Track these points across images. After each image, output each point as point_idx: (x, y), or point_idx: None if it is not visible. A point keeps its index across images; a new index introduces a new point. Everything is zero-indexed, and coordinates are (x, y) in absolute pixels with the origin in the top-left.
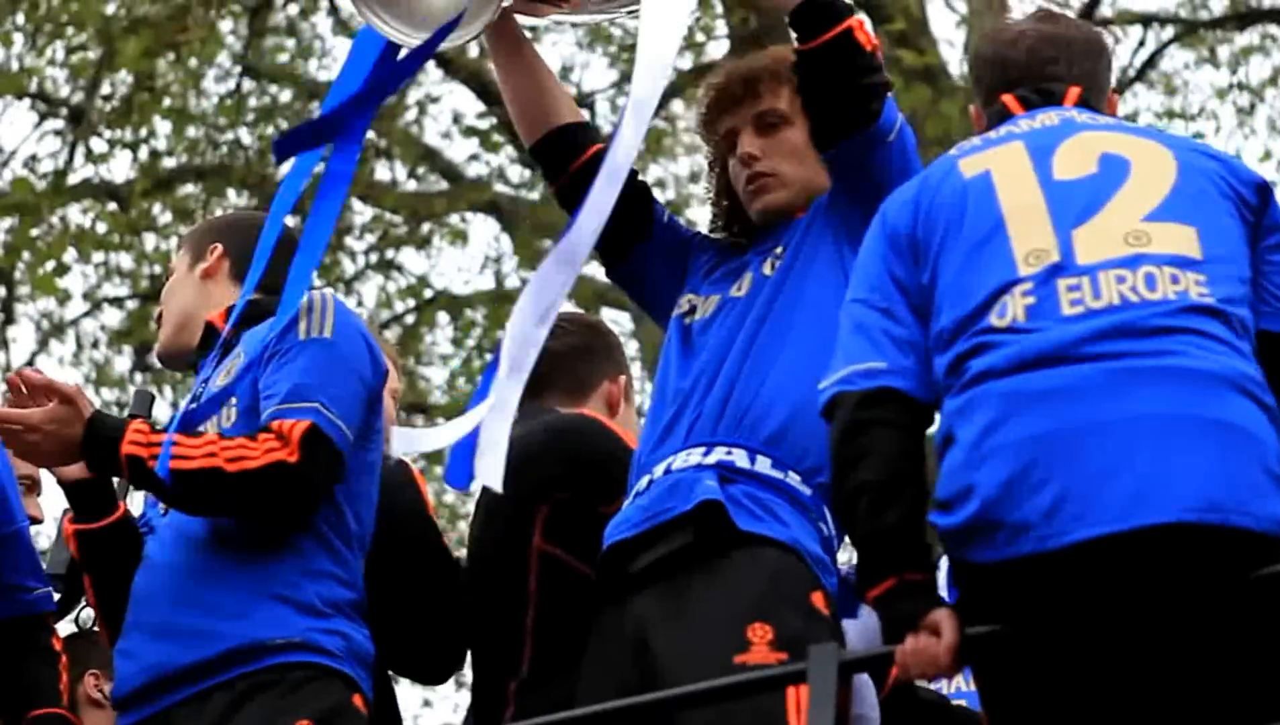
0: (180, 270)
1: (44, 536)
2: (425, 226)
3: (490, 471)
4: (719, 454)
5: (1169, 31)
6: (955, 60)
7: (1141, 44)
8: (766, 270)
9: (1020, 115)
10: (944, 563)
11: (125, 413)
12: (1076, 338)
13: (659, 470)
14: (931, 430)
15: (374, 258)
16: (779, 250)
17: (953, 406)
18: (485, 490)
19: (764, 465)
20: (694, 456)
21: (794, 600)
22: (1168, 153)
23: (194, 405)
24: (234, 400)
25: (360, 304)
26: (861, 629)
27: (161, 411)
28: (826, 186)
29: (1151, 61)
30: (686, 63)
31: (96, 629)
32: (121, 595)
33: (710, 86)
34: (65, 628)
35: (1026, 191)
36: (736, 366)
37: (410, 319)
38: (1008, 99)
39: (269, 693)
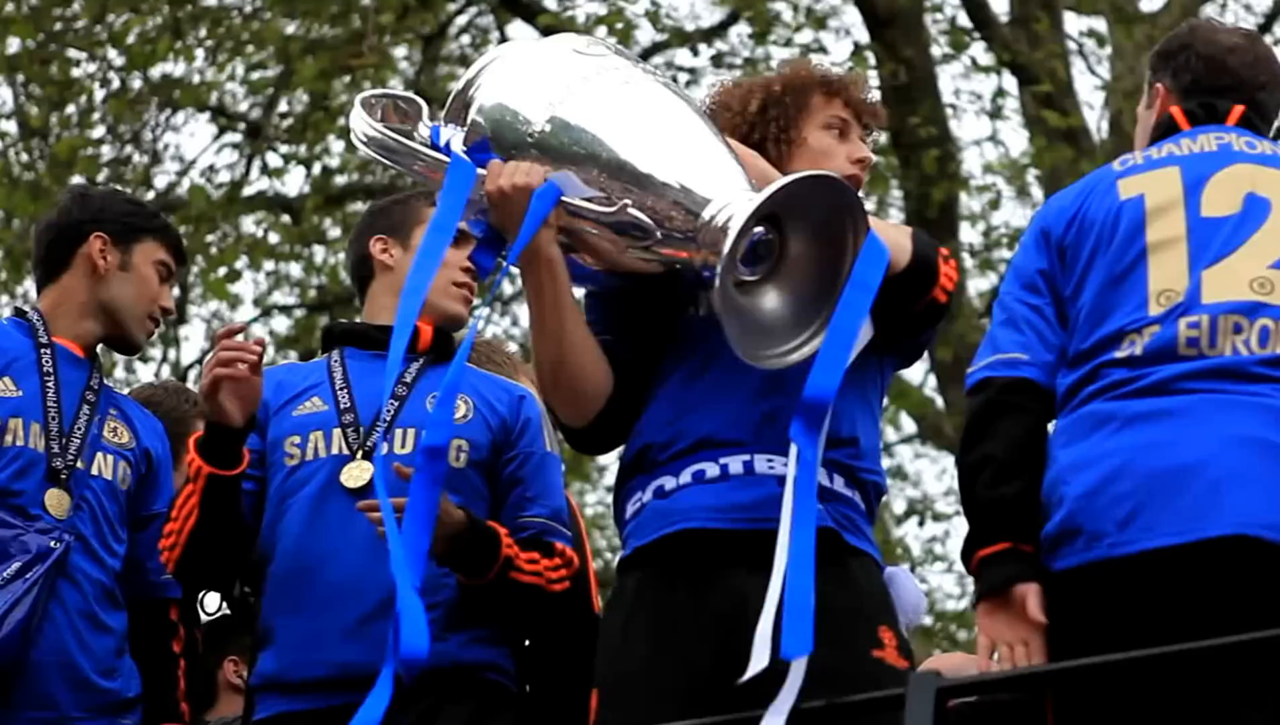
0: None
1: None
2: None
3: None
4: None
5: None
6: (1094, 120)
7: None
8: None
9: (1183, 132)
10: None
11: None
12: (1180, 373)
13: (735, 465)
14: None
15: None
16: None
17: (1059, 426)
18: None
19: (839, 484)
20: (777, 466)
21: (895, 612)
22: None
23: (395, 403)
24: (467, 446)
25: (515, 324)
26: None
27: None
28: None
29: None
30: None
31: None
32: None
33: (861, 80)
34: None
35: (1173, 226)
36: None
37: None
38: (1176, 113)
39: (462, 704)
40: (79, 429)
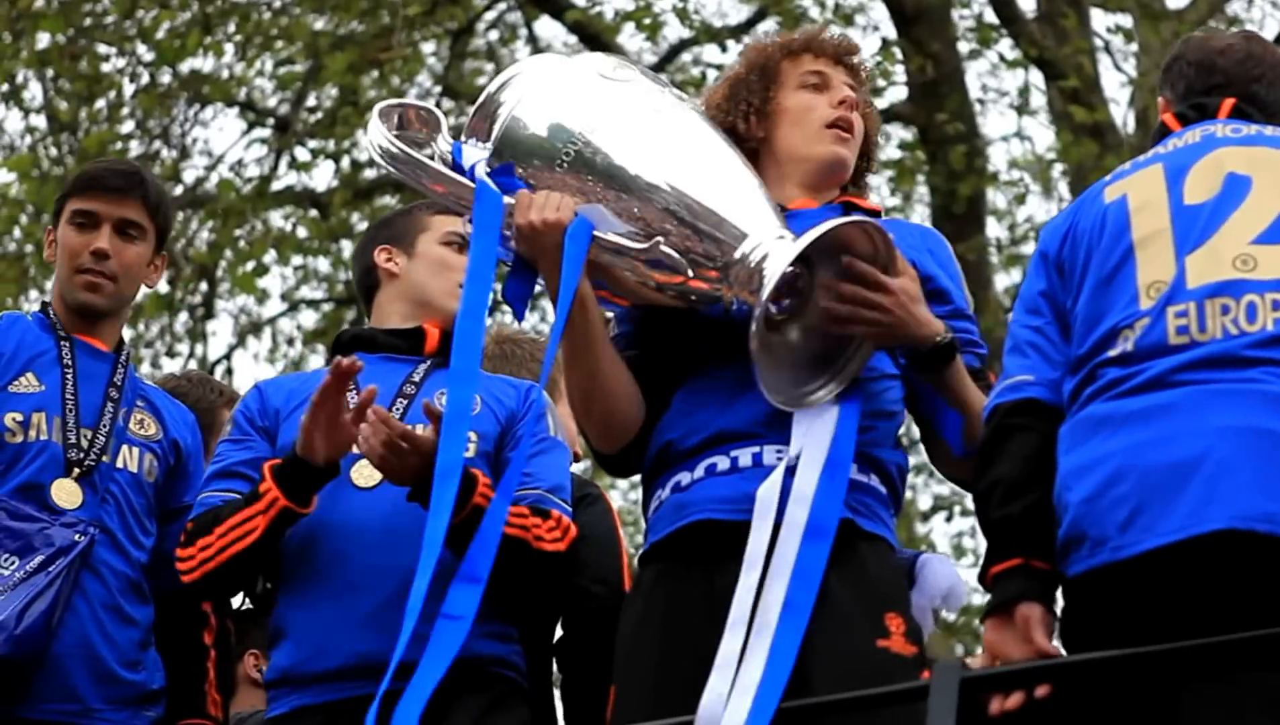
0: None
1: None
2: None
3: None
4: None
5: None
6: (1120, 116)
7: None
8: None
9: (1174, 133)
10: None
11: None
12: (1173, 366)
13: (745, 457)
14: None
15: None
16: None
17: (1062, 432)
18: None
19: (853, 471)
20: (785, 456)
21: (907, 596)
22: None
23: (404, 402)
24: (477, 437)
25: (544, 320)
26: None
27: None
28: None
29: None
30: None
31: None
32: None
33: (822, 30)
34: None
35: (1157, 219)
36: None
37: None
38: (1167, 117)
39: (478, 695)
40: (104, 424)
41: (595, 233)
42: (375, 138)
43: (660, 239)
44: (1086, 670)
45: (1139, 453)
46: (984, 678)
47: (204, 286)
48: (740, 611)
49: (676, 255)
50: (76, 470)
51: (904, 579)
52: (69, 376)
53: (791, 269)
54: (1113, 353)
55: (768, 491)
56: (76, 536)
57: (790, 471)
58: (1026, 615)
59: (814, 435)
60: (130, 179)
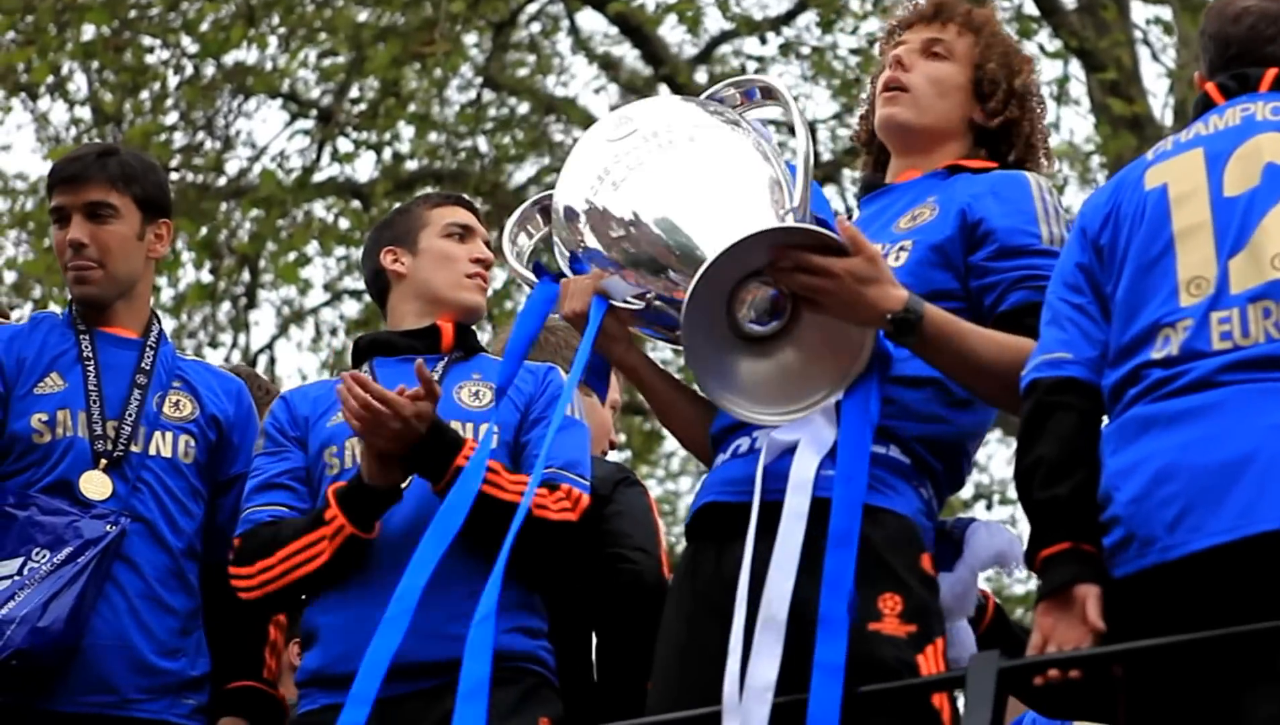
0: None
1: None
2: None
3: None
4: None
5: None
6: (1159, 108)
7: None
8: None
9: (1216, 108)
10: None
11: None
12: (1217, 367)
13: (762, 437)
14: None
15: None
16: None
17: (1106, 433)
18: None
19: None
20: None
21: (913, 568)
22: None
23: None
24: (497, 428)
25: None
26: (954, 581)
27: None
28: (952, 134)
29: None
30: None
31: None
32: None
33: (910, 5)
34: None
35: (1198, 211)
36: None
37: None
38: (1210, 88)
39: (507, 689)
40: (129, 413)
41: (614, 303)
42: (507, 254)
43: (649, 290)
44: (1121, 660)
45: (1186, 452)
46: (1022, 667)
47: (246, 276)
48: (744, 593)
49: (666, 306)
50: (104, 462)
51: (914, 551)
52: (90, 370)
53: (772, 290)
54: (1156, 355)
55: (757, 473)
56: (107, 527)
57: (790, 452)
58: (1084, 594)
59: (813, 422)
60: (82, 162)
